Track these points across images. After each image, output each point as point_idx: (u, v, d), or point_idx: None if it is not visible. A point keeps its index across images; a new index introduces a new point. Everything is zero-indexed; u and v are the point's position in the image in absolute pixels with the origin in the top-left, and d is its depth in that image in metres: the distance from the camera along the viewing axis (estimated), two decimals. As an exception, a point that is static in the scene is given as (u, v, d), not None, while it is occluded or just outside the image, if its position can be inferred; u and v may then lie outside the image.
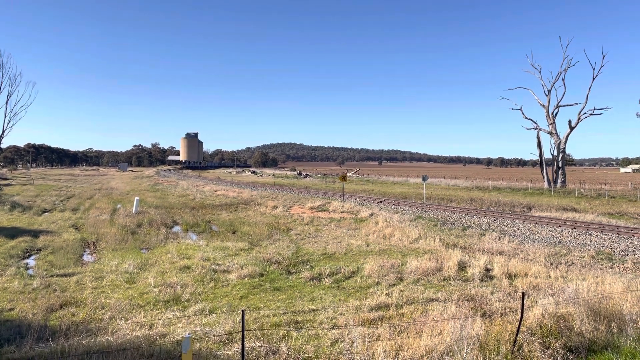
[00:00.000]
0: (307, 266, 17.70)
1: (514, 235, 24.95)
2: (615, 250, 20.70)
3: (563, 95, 63.38)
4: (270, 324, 10.74)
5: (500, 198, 47.75)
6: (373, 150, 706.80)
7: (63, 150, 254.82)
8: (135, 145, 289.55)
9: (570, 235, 24.19)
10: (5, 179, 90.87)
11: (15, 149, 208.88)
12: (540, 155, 64.28)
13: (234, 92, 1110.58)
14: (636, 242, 21.65)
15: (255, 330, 10.16)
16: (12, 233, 24.74)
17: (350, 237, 25.25)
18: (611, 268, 17.72)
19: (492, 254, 19.87)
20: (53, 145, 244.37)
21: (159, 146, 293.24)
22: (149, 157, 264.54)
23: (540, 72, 65.37)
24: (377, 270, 16.22)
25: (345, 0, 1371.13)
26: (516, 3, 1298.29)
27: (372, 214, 33.58)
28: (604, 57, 60.86)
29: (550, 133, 63.10)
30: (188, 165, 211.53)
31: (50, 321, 11.09)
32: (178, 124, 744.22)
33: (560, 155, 61.59)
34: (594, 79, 60.84)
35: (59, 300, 12.71)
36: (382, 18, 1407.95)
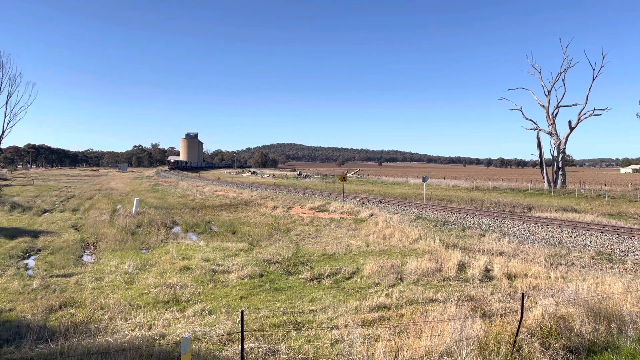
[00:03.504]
0: (307, 267, 17.69)
1: (513, 236, 24.94)
2: (615, 251, 20.69)
3: (563, 95, 63.45)
4: (270, 325, 10.73)
5: (500, 199, 47.74)
6: (373, 150, 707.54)
7: (63, 150, 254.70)
8: (135, 146, 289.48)
9: (570, 236, 24.17)
10: (5, 179, 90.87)
11: (15, 150, 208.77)
12: (540, 155, 64.27)
13: (234, 92, 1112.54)
14: (636, 243, 21.63)
15: (254, 330, 10.15)
16: (12, 233, 24.73)
17: (350, 237, 25.24)
18: (611, 269, 17.71)
19: (492, 254, 19.86)
20: (53, 146, 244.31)
21: (159, 147, 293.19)
22: (149, 158, 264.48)
23: (540, 72, 65.55)
24: (377, 270, 16.20)
25: (345, 2, 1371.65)
26: (516, 4, 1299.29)
27: (372, 215, 33.56)
28: (603, 57, 60.92)
29: (550, 133, 63.09)
30: (188, 166, 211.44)
31: (49, 322, 11.09)
32: (178, 125, 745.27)
33: (560, 156, 61.58)
34: (593, 79, 60.90)
35: (59, 301, 12.70)
36: (381, 19, 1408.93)
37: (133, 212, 34.89)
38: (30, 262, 19.00)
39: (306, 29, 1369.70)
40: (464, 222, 29.93)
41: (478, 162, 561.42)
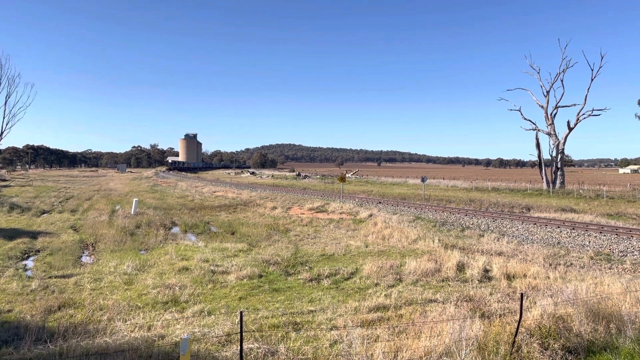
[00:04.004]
0: (306, 267, 17.69)
1: (512, 236, 24.95)
2: (614, 251, 20.71)
3: (562, 96, 63.76)
4: (269, 325, 10.73)
5: (499, 199, 47.77)
6: (372, 151, 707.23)
7: (62, 151, 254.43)
8: (134, 147, 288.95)
9: (569, 236, 24.19)
10: (4, 180, 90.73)
11: (13, 150, 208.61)
12: (539, 156, 64.32)
13: (233, 93, 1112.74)
14: (635, 243, 21.66)
15: (254, 331, 10.15)
16: (11, 234, 24.69)
17: (349, 238, 25.24)
18: (610, 269, 17.73)
19: (491, 254, 19.87)
20: (52, 147, 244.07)
21: (158, 147, 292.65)
22: (147, 158, 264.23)
23: (539, 73, 65.66)
24: (376, 271, 16.21)
25: (343, 2, 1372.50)
26: (515, 4, 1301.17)
27: (371, 215, 33.56)
28: (602, 57, 60.96)
29: (549, 134, 63.17)
30: (186, 167, 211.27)
31: (48, 322, 11.08)
32: (177, 125, 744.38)
33: (559, 156, 61.65)
34: (592, 79, 60.93)
35: (58, 302, 12.70)
36: (380, 19, 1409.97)
37: (132, 212, 34.86)
38: (29, 263, 18.97)
39: (306, 29, 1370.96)
40: (463, 222, 29.95)
41: (477, 162, 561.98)
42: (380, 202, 42.58)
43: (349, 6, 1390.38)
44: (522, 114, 66.86)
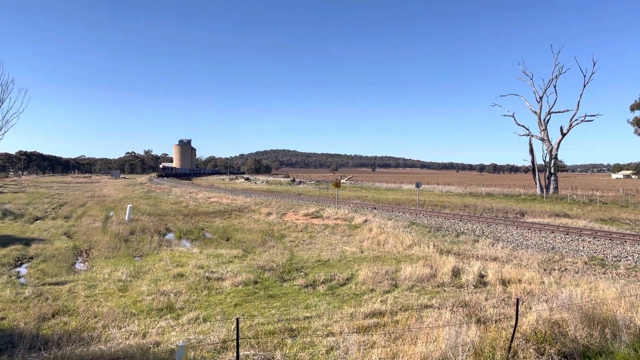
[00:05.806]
0: (302, 273, 17.65)
1: (507, 242, 25.05)
2: (608, 256, 20.83)
3: (554, 102, 64.01)
4: (265, 332, 10.69)
5: (494, 204, 47.97)
6: (366, 156, 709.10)
7: (55, 157, 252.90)
8: (128, 153, 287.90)
9: (563, 241, 24.32)
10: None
11: (6, 156, 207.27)
12: (533, 161, 64.70)
13: (227, 99, 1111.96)
14: (628, 248, 21.81)
15: (249, 338, 10.11)
16: (4, 241, 24.48)
17: (345, 243, 25.23)
18: (604, 274, 17.83)
19: (486, 260, 19.92)
20: (45, 153, 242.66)
21: (152, 153, 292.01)
22: (141, 164, 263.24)
23: (532, 79, 66.02)
24: (372, 276, 16.20)
25: (338, 8, 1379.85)
26: (508, 11, 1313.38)
27: (366, 221, 33.59)
28: (594, 64, 61.69)
29: (542, 139, 63.59)
30: (180, 172, 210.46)
31: (42, 330, 10.97)
32: (171, 131, 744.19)
33: (552, 162, 62.04)
34: (584, 85, 61.53)
35: (51, 309, 12.58)
36: (375, 26, 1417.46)
37: (126, 219, 34.67)
38: (23, 270, 18.80)
39: (300, 36, 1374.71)
40: (457, 227, 30.03)
41: (471, 167, 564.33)
42: (375, 208, 42.63)
43: (343, 13, 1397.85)
44: (515, 120, 67.35)
